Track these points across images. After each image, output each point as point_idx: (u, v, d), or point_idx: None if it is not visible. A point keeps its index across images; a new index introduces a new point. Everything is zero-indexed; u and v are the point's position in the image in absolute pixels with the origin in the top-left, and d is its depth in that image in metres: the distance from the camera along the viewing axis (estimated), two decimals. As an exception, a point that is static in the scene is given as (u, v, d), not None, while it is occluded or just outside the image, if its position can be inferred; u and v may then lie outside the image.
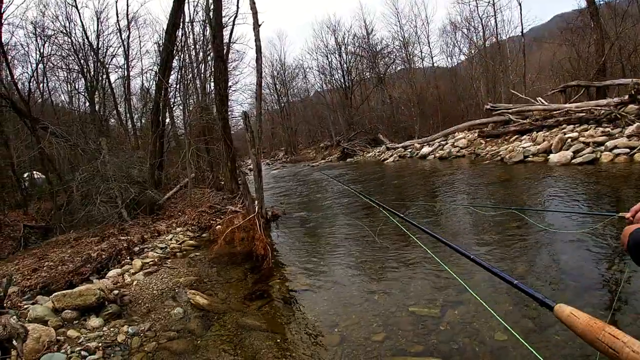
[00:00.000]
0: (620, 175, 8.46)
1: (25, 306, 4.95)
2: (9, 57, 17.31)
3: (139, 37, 28.36)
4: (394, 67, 38.10)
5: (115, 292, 5.38)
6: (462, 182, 11.46)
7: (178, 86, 21.55)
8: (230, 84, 20.21)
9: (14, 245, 10.31)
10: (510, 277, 1.42)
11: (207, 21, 18.17)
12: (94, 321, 4.57)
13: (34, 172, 16.76)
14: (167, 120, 17.86)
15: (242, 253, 7.08)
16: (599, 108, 12.44)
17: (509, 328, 1.73)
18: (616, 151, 9.87)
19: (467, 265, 4.70)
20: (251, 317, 4.54)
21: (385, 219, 7.11)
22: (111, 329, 4.40)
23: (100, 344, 4.06)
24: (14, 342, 2.85)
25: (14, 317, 4.02)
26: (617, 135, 10.61)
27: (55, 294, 4.95)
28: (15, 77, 17.28)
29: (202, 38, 21.97)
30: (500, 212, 6.81)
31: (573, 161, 10.40)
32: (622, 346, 0.83)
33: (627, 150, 9.71)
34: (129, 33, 23.40)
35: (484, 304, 1.96)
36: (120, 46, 23.24)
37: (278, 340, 3.95)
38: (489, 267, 1.54)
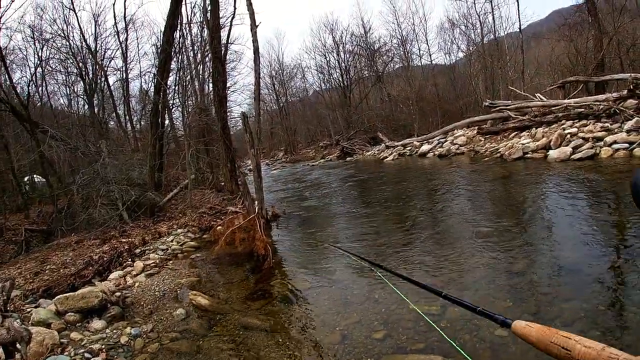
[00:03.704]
0: (621, 171, 8.46)
1: (28, 309, 4.98)
2: (8, 61, 17.30)
3: (137, 39, 28.16)
4: (392, 65, 38.01)
5: (118, 294, 5.40)
6: (463, 179, 11.48)
7: (177, 88, 21.57)
8: (228, 84, 20.15)
9: (16, 249, 10.33)
10: (474, 305, 1.45)
11: (204, 22, 18.18)
12: (97, 323, 4.59)
13: (35, 175, 16.79)
14: (167, 122, 17.86)
15: (243, 253, 7.10)
16: (598, 103, 12.44)
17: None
18: (615, 146, 9.85)
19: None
20: (253, 317, 4.57)
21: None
22: (114, 331, 4.43)
23: (103, 346, 4.09)
24: (18, 345, 2.87)
25: (18, 320, 4.04)
26: (616, 130, 10.59)
27: (58, 297, 4.97)
28: (14, 81, 17.32)
29: (199, 39, 21.97)
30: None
31: (572, 157, 10.39)
32: (575, 344, 0.87)
33: (627, 145, 9.69)
34: (127, 35, 23.40)
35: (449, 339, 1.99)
36: (118, 48, 23.24)
37: (280, 340, 3.97)
38: (458, 300, 1.59)
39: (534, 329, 1.03)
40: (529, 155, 12.11)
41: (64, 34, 20.99)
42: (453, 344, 2.37)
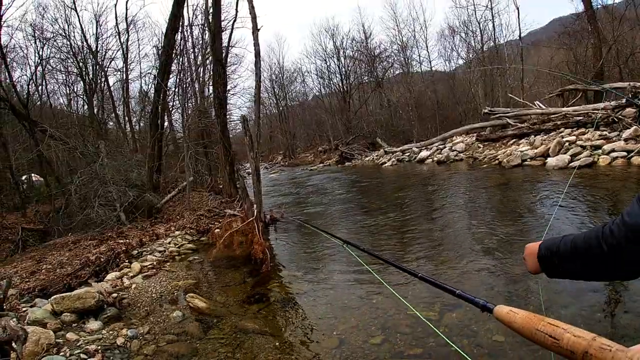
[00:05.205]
0: (618, 179, 8.49)
1: (24, 309, 4.94)
2: (8, 60, 17.30)
3: (138, 40, 28.43)
4: (392, 71, 38.15)
5: (114, 295, 5.37)
6: (462, 186, 11.50)
7: (177, 90, 21.67)
8: (229, 87, 20.24)
9: (12, 247, 10.31)
10: (452, 287, 1.44)
11: (206, 25, 18.23)
12: (93, 324, 4.56)
13: (32, 174, 16.77)
14: (166, 123, 17.88)
15: (241, 257, 7.09)
16: (597, 112, 12.48)
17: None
18: (613, 154, 9.88)
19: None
20: (250, 320, 4.55)
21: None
22: (110, 332, 4.40)
23: (99, 347, 4.06)
24: (14, 344, 2.85)
25: (14, 319, 4.02)
26: (614, 138, 10.63)
27: (54, 296, 4.94)
28: (14, 79, 17.32)
29: (201, 42, 22.09)
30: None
31: (571, 165, 10.40)
32: (563, 332, 0.82)
33: (625, 153, 9.72)
34: (128, 36, 23.52)
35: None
36: (119, 49, 23.34)
37: (277, 344, 3.96)
38: (434, 282, 1.58)
39: (519, 315, 0.97)
40: (527, 162, 12.13)
41: (65, 33, 21.08)
42: (453, 345, 2.37)
